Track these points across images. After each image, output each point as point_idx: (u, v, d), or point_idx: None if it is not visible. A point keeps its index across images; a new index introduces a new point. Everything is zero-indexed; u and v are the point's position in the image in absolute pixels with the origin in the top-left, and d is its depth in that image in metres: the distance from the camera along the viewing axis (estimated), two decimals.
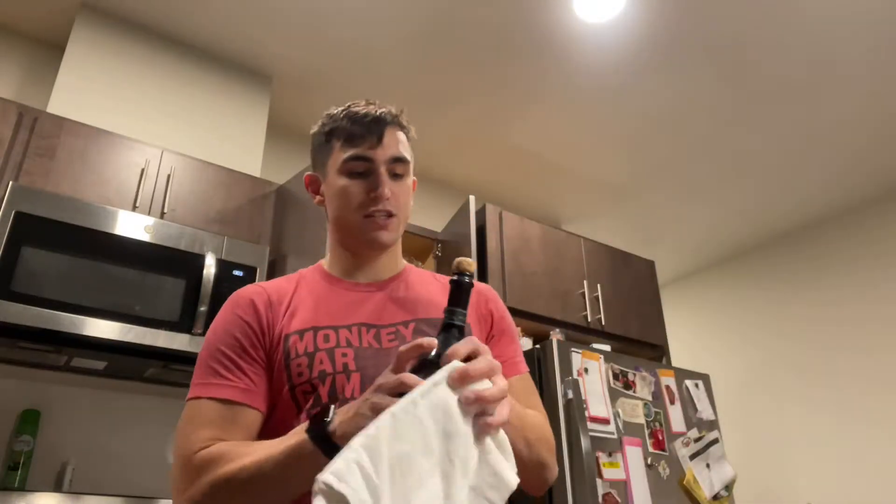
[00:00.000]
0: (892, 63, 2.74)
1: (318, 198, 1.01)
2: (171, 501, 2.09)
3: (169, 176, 2.22)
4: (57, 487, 2.00)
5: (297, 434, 0.70)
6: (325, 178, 0.99)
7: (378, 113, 0.96)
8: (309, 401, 0.83)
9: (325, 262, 1.02)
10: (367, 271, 0.98)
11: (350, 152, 0.94)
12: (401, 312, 0.93)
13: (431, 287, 1.00)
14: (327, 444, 0.66)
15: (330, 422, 0.68)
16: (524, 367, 0.98)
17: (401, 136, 0.97)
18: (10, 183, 1.87)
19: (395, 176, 0.95)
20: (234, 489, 0.73)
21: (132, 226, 2.02)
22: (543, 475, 0.88)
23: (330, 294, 0.94)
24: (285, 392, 0.84)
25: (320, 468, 0.58)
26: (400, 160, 0.95)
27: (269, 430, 0.84)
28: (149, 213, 2.13)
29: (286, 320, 0.89)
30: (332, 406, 0.70)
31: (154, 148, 2.25)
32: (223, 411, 0.82)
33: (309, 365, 0.84)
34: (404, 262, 1.05)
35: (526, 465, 0.80)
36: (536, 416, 0.89)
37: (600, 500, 2.10)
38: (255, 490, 0.72)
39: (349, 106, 0.98)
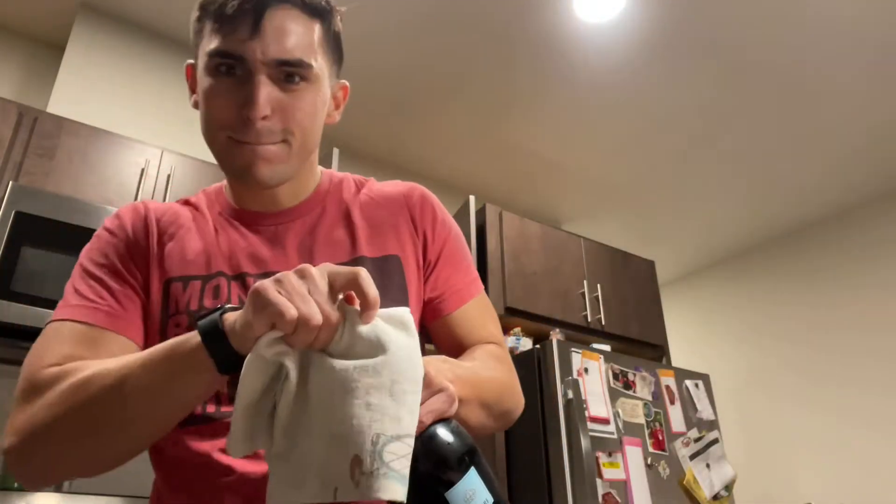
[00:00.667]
0: (892, 63, 2.74)
1: (193, 97, 0.75)
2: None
3: (169, 176, 2.22)
4: (57, 487, 2.00)
5: (189, 346, 0.55)
6: (196, 73, 0.73)
7: None
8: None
9: (224, 186, 0.83)
10: (265, 202, 0.76)
11: (214, 44, 0.67)
12: (310, 257, 0.74)
13: (356, 217, 0.79)
14: (216, 342, 0.52)
15: (223, 313, 0.54)
16: (472, 292, 0.81)
17: (298, 21, 0.69)
18: (10, 183, 1.87)
19: (288, 82, 0.68)
20: (87, 401, 0.56)
21: None
22: (507, 421, 0.75)
23: (223, 228, 0.76)
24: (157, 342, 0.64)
25: (203, 370, 0.52)
26: (289, 63, 0.67)
27: None
28: None
29: (169, 254, 0.72)
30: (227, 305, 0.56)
31: (154, 148, 2.25)
32: (86, 333, 0.66)
33: (189, 325, 0.68)
34: (319, 174, 0.83)
35: (485, 425, 0.68)
36: (486, 367, 0.71)
37: (600, 500, 2.10)
38: (114, 402, 0.56)
39: None
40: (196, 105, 0.74)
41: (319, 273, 0.51)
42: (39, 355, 0.66)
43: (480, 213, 2.77)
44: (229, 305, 0.56)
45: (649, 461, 2.35)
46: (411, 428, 0.49)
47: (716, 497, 2.49)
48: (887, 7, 2.46)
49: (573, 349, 2.35)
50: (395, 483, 0.47)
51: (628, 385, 2.48)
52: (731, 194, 3.74)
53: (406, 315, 0.54)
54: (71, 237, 1.90)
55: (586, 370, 2.34)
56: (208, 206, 0.80)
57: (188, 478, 0.67)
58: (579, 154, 3.44)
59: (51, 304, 1.79)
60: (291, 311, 0.48)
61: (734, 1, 2.45)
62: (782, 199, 3.79)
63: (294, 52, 0.67)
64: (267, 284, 0.50)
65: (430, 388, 0.53)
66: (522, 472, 2.27)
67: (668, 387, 2.62)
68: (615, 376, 2.45)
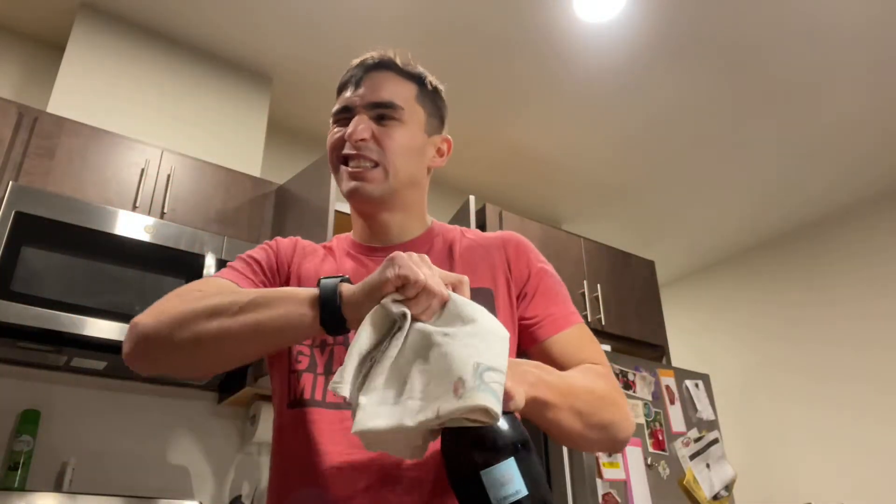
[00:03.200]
0: (892, 63, 2.74)
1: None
2: (171, 501, 2.10)
3: (169, 176, 2.22)
4: (57, 487, 2.00)
5: (308, 293, 0.67)
6: None
7: (365, 59, 0.89)
8: (303, 362, 0.81)
9: (352, 230, 0.98)
10: (378, 234, 0.91)
11: (336, 105, 0.89)
12: None
13: (457, 254, 0.90)
14: (333, 318, 0.64)
15: (342, 281, 0.66)
16: (567, 322, 0.87)
17: (393, 81, 0.89)
18: (10, 183, 1.87)
19: (382, 121, 0.86)
20: (210, 306, 0.69)
21: (132, 226, 2.02)
22: (611, 435, 0.77)
23: (345, 257, 0.90)
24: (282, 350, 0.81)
25: (314, 332, 0.64)
26: (382, 104, 0.86)
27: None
28: (149, 213, 2.13)
29: (305, 271, 0.88)
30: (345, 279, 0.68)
31: (154, 148, 2.25)
32: (231, 287, 0.80)
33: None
34: (430, 221, 0.96)
35: (584, 435, 0.72)
36: (584, 378, 0.77)
37: (600, 500, 2.10)
38: (228, 313, 0.68)
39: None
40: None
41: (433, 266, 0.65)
42: (192, 284, 0.80)
43: (480, 213, 2.77)
44: (348, 276, 0.69)
45: (649, 461, 2.35)
46: (504, 367, 0.56)
47: (716, 497, 2.49)
48: (890, 8, 2.46)
49: None
50: (492, 397, 0.52)
51: (628, 385, 2.48)
52: (731, 194, 3.74)
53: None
54: (71, 237, 1.90)
55: None
56: (338, 246, 0.95)
57: (304, 459, 0.76)
58: (579, 154, 3.44)
59: (51, 304, 1.79)
60: (420, 276, 0.60)
61: (734, 1, 2.45)
62: (782, 199, 3.79)
63: (383, 96, 0.87)
64: (401, 253, 0.62)
65: None
66: None
67: (668, 387, 2.62)
68: (615, 376, 2.44)
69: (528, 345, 0.86)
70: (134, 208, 2.10)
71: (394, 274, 0.61)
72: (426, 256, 0.64)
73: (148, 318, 0.72)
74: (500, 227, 2.78)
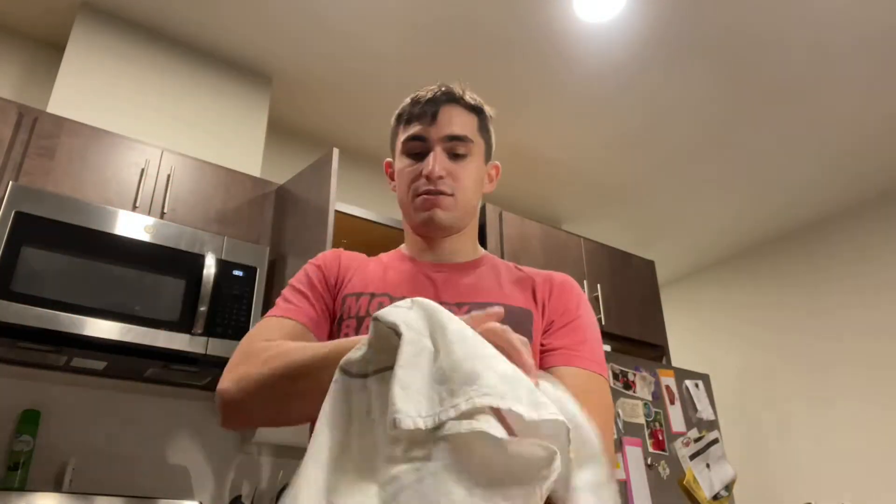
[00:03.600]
0: (892, 63, 2.74)
1: (392, 183, 1.01)
2: (171, 501, 2.10)
3: (169, 176, 2.22)
4: (57, 487, 2.00)
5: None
6: (394, 163, 0.99)
7: (435, 92, 0.95)
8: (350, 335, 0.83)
9: (403, 246, 1.02)
10: (437, 253, 0.97)
11: (407, 133, 0.94)
12: (459, 295, 0.89)
13: (504, 278, 0.95)
14: None
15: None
16: (583, 363, 0.84)
17: (462, 114, 0.95)
18: (10, 183, 1.87)
19: (455, 156, 0.93)
20: (281, 366, 0.71)
21: (132, 226, 2.02)
22: None
23: (397, 267, 0.95)
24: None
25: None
26: (456, 138, 0.93)
27: None
28: (149, 213, 2.13)
29: (350, 281, 0.91)
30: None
31: (154, 148, 2.25)
32: (290, 327, 0.84)
33: (356, 328, 0.84)
34: (482, 251, 1.02)
35: None
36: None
37: None
38: (291, 371, 0.70)
39: (419, 90, 0.97)
40: (395, 188, 0.99)
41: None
42: (257, 334, 0.82)
43: (480, 213, 2.78)
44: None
45: (649, 461, 2.35)
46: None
47: (716, 497, 2.49)
48: (888, 7, 2.46)
49: None
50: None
51: (628, 385, 2.48)
52: (730, 194, 3.74)
53: None
54: (71, 237, 1.90)
55: None
56: (386, 257, 0.99)
57: None
58: (579, 154, 3.44)
59: (51, 304, 1.79)
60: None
61: (734, 1, 2.45)
62: (782, 199, 3.79)
63: (456, 130, 0.92)
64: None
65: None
66: None
67: (668, 387, 2.62)
68: (615, 376, 2.45)
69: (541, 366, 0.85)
70: (134, 208, 2.10)
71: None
72: (511, 331, 0.58)
73: (230, 384, 0.76)
74: (501, 227, 2.78)
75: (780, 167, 3.48)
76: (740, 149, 3.33)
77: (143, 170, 2.17)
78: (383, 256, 1.00)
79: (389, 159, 1.03)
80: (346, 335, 0.83)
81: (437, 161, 0.90)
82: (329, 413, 0.53)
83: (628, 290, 3.13)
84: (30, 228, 1.84)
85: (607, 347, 2.70)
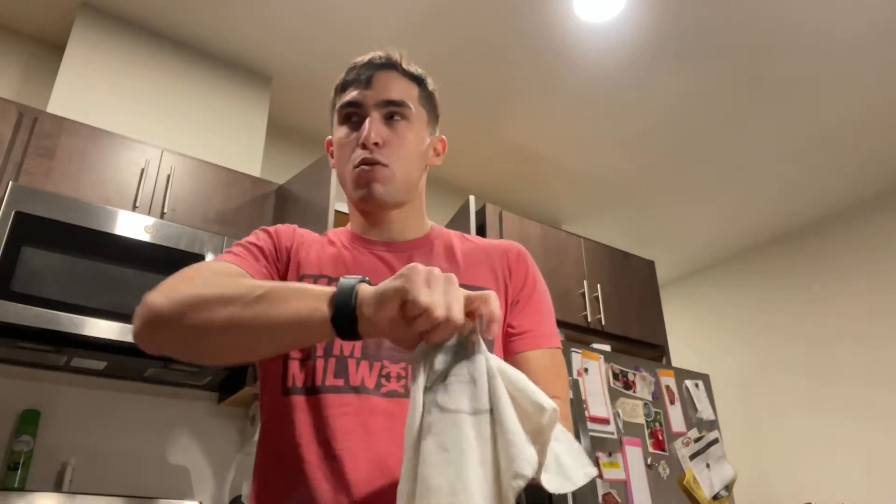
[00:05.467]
0: (890, 65, 2.74)
1: (332, 160, 0.96)
2: (171, 501, 2.10)
3: (169, 176, 2.22)
4: (57, 487, 2.00)
5: (325, 289, 0.63)
6: (333, 129, 0.95)
7: (372, 57, 0.91)
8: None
9: (350, 224, 0.98)
10: (384, 231, 0.92)
11: (342, 100, 0.90)
12: None
13: (460, 255, 0.91)
14: (346, 318, 0.60)
15: (355, 299, 0.61)
16: (547, 342, 0.87)
17: (400, 81, 0.91)
18: (10, 183, 1.87)
19: (393, 123, 0.88)
20: (226, 292, 0.66)
21: (132, 226, 2.02)
22: None
23: (350, 248, 0.90)
24: None
25: (326, 333, 0.60)
26: (393, 103, 0.88)
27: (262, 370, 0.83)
28: (149, 213, 2.13)
29: (306, 258, 0.87)
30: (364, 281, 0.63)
31: (154, 148, 2.25)
32: (236, 271, 0.80)
33: None
34: (430, 223, 0.98)
35: None
36: None
37: (600, 500, 2.10)
38: (243, 302, 0.64)
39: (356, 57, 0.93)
40: (334, 165, 0.94)
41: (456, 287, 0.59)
42: (206, 266, 0.79)
43: (480, 213, 2.77)
44: (367, 278, 0.64)
45: (649, 461, 2.35)
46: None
47: (716, 497, 2.49)
48: (891, 8, 2.46)
49: (573, 349, 2.35)
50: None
51: (628, 385, 2.48)
52: (730, 194, 3.74)
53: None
54: (71, 237, 1.90)
55: (586, 370, 2.35)
56: (336, 238, 0.94)
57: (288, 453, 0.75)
58: (579, 154, 3.44)
59: (51, 304, 1.79)
60: (439, 312, 0.56)
61: (734, 1, 2.45)
62: (782, 199, 3.79)
63: (394, 95, 0.89)
64: (420, 281, 0.57)
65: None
66: None
67: (668, 387, 2.62)
68: (615, 376, 2.45)
69: (504, 354, 0.86)
70: (134, 208, 2.10)
71: (397, 300, 0.57)
72: (453, 278, 0.59)
73: (160, 296, 0.69)
74: (500, 227, 2.78)
75: (781, 167, 3.47)
76: (740, 149, 3.33)
77: (143, 170, 2.17)
78: (331, 234, 0.94)
79: (330, 137, 0.97)
80: None
81: (372, 127, 0.86)
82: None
83: (628, 290, 3.13)
84: (30, 228, 1.84)
85: (607, 347, 2.70)
